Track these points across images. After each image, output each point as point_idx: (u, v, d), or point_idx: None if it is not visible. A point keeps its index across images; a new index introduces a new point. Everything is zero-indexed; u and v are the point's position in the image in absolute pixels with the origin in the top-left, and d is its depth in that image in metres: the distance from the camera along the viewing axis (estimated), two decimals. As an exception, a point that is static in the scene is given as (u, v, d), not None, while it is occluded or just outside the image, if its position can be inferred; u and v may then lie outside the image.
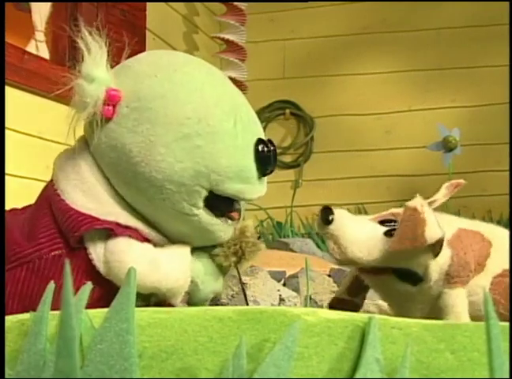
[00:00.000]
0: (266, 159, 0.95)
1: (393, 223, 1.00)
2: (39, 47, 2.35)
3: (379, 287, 1.05)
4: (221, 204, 0.95)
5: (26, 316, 0.68)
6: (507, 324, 0.62)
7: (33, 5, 2.35)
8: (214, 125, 0.91)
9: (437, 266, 0.97)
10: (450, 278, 0.98)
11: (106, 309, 0.63)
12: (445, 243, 0.96)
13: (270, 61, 3.46)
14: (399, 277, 0.99)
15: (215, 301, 1.14)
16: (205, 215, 0.93)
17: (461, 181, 1.08)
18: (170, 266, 0.91)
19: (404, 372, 0.59)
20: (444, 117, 3.11)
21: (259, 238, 0.92)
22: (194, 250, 0.96)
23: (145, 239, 0.94)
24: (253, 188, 0.95)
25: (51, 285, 0.69)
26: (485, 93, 3.20)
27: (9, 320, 0.69)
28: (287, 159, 3.37)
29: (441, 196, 1.07)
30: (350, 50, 3.38)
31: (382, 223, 1.01)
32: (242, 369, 0.59)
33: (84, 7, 2.44)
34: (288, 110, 3.40)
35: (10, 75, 2.03)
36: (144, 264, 0.90)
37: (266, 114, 3.35)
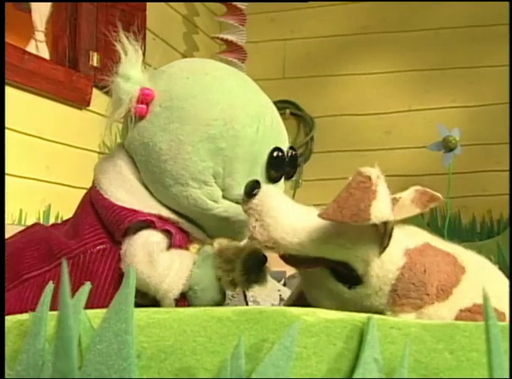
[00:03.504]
0: (277, 164, 0.97)
1: None
2: (39, 47, 2.35)
3: (309, 284, 0.85)
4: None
5: (25, 316, 0.68)
6: (507, 324, 0.62)
7: (33, 5, 2.35)
8: (238, 129, 0.93)
9: (381, 270, 0.78)
10: (397, 297, 0.78)
11: (105, 310, 0.63)
12: (402, 251, 0.79)
13: (270, 61, 3.47)
14: (333, 275, 0.80)
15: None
16: (227, 203, 0.94)
17: (438, 195, 0.88)
18: (165, 266, 0.90)
19: (402, 372, 0.59)
20: (444, 117, 3.11)
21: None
22: (203, 259, 0.94)
23: (186, 233, 0.95)
24: None
25: (50, 285, 0.69)
26: (485, 93, 3.21)
27: (9, 320, 0.69)
28: (287, 159, 3.38)
29: (408, 200, 0.86)
30: (350, 50, 3.38)
31: None
32: (241, 369, 0.59)
33: (84, 7, 2.45)
34: (288, 110, 3.40)
35: (10, 75, 2.03)
36: (141, 256, 0.90)
37: (266, 114, 3.35)
